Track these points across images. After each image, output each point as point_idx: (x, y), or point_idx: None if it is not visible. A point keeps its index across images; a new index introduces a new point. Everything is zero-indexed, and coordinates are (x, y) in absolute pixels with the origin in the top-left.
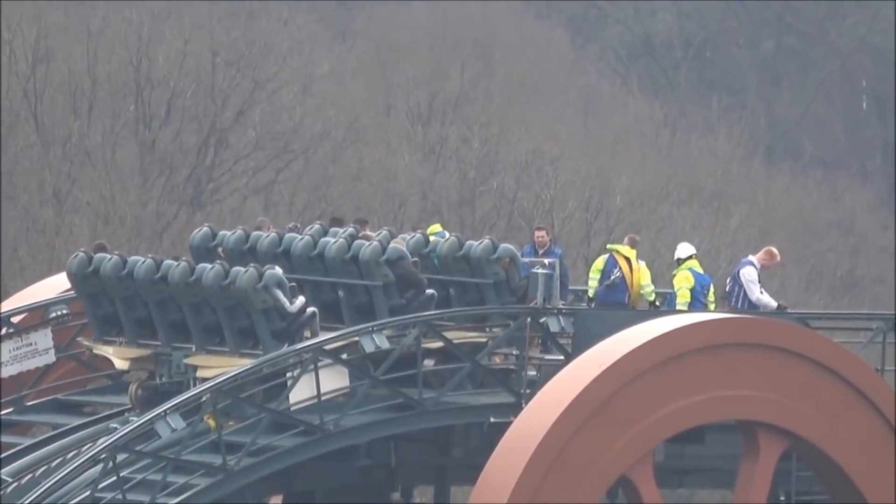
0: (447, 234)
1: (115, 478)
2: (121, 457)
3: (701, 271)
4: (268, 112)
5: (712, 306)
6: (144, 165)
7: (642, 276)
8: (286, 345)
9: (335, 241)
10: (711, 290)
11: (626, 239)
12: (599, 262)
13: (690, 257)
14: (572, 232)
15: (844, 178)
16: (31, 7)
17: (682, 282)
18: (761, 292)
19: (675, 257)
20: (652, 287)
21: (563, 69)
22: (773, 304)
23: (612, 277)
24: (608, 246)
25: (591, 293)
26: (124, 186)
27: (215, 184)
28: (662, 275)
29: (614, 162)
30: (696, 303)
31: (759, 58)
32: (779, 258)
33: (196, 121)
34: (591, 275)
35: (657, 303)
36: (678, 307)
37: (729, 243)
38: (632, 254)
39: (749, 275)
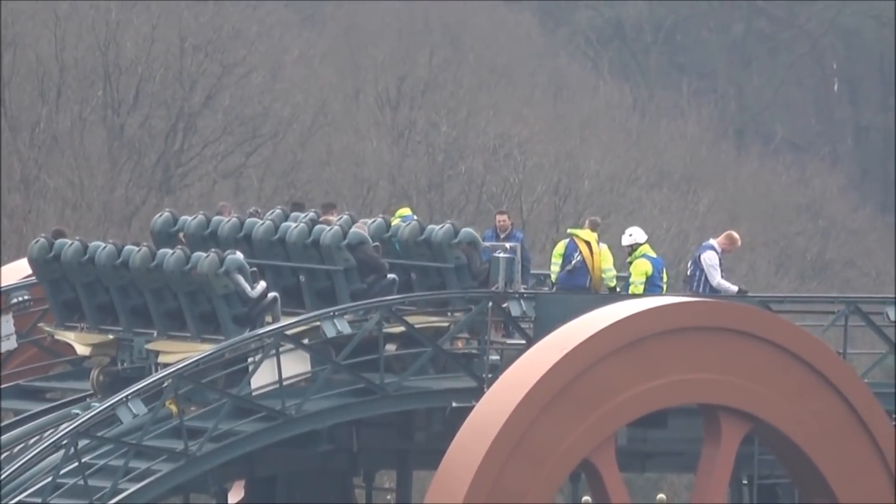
0: (414, 218)
1: (76, 463)
2: (82, 442)
3: (654, 255)
4: (236, 97)
5: (665, 287)
6: (113, 151)
7: (603, 260)
8: (248, 330)
9: (296, 226)
10: (664, 272)
11: (587, 222)
12: (560, 247)
13: (644, 242)
14: (541, 216)
15: (814, 162)
16: None
17: (640, 272)
18: (722, 277)
19: (630, 243)
20: (613, 272)
21: (532, 54)
22: (734, 288)
23: (573, 262)
24: (569, 230)
25: (553, 278)
26: (92, 172)
27: (184, 169)
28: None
29: (583, 146)
30: (654, 287)
31: (730, 41)
32: (739, 242)
33: (164, 106)
34: (553, 259)
35: (618, 288)
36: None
37: (698, 227)
38: (592, 237)
39: (710, 259)
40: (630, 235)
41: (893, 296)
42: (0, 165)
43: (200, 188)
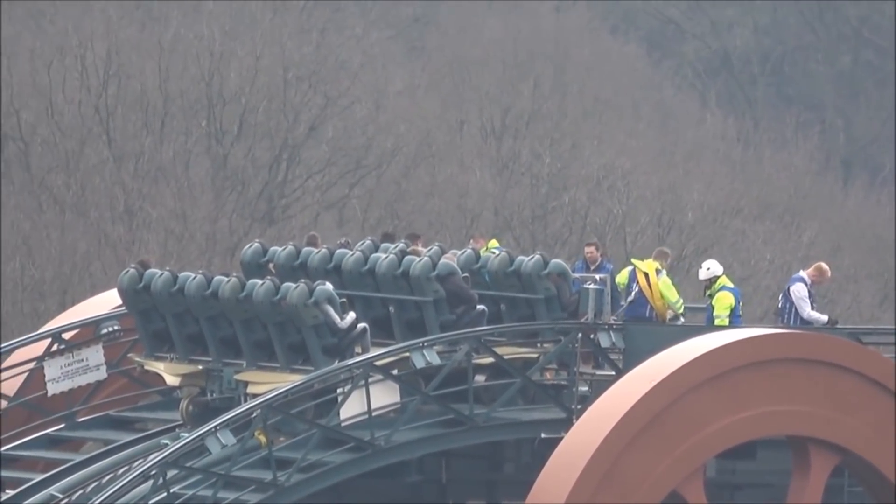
0: (503, 251)
1: (165, 494)
2: (171, 473)
3: (732, 285)
4: (340, 128)
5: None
6: (216, 182)
7: (664, 291)
8: (337, 360)
9: (386, 257)
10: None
11: (654, 252)
12: (622, 276)
13: (721, 275)
14: (644, 247)
15: None
16: (102, 23)
17: (725, 306)
18: (813, 308)
19: (708, 276)
20: (680, 301)
21: (638, 85)
22: (824, 319)
23: (632, 293)
24: (632, 260)
25: None
26: (196, 203)
27: (287, 200)
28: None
29: (686, 178)
30: (736, 318)
31: (837, 72)
32: (829, 274)
33: (268, 136)
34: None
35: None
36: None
37: (801, 258)
38: (651, 268)
39: (799, 291)
40: (708, 269)
41: None
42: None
43: (304, 219)
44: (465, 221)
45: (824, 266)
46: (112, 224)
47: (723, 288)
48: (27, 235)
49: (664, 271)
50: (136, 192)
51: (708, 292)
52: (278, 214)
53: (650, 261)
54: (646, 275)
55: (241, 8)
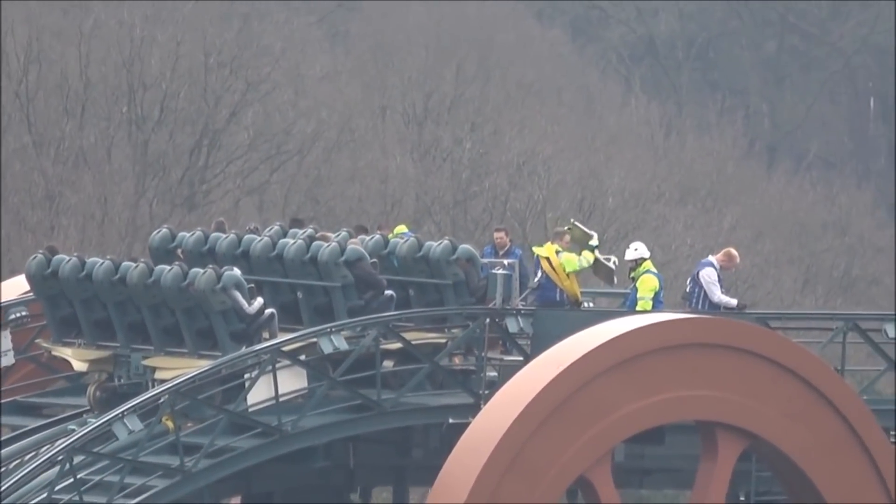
0: (411, 236)
1: (72, 479)
2: (78, 458)
3: (655, 270)
4: (261, 113)
5: None
6: (137, 167)
7: (565, 265)
8: (245, 346)
9: (294, 243)
10: None
11: (552, 235)
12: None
13: (647, 258)
14: None
15: (841, 179)
16: (23, 8)
17: (650, 288)
18: (722, 293)
19: (636, 257)
20: (576, 265)
21: (562, 70)
22: (734, 303)
23: (537, 280)
24: (532, 248)
25: None
26: (117, 188)
27: (208, 185)
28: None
29: (608, 163)
30: (658, 303)
31: (762, 58)
32: (738, 260)
33: (189, 122)
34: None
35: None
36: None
37: (722, 243)
38: (551, 251)
39: (709, 276)
40: (636, 250)
41: (892, 312)
42: (22, 181)
43: (225, 204)
44: (386, 207)
45: (733, 252)
46: (32, 209)
47: (648, 272)
48: None
49: (563, 251)
50: (57, 178)
51: (632, 274)
52: (199, 200)
53: (549, 244)
54: (547, 259)
55: None
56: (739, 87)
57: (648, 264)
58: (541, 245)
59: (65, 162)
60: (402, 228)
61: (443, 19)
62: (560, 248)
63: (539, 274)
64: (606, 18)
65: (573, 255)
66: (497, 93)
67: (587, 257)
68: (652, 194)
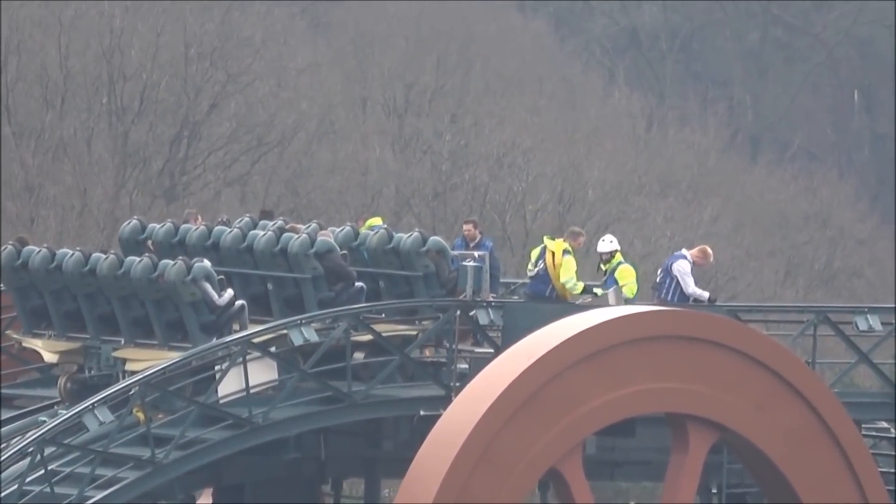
0: (381, 228)
1: (42, 471)
2: (49, 450)
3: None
4: (242, 105)
5: None
6: (117, 158)
7: (562, 271)
8: (215, 338)
9: (264, 234)
10: None
11: (566, 232)
12: (535, 253)
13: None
14: (545, 225)
15: (822, 171)
16: None
17: (631, 276)
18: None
19: (611, 249)
20: (573, 282)
21: (544, 62)
22: (706, 295)
23: (536, 269)
24: (544, 238)
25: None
26: (97, 179)
27: (189, 176)
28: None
29: (588, 155)
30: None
31: (745, 49)
32: (712, 259)
33: (169, 113)
34: (528, 267)
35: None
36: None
37: (702, 235)
38: (559, 248)
39: (683, 267)
40: (611, 242)
41: (863, 305)
42: (1, 172)
43: (205, 196)
44: (367, 199)
45: (709, 250)
46: (11, 201)
47: (622, 262)
48: None
49: (571, 253)
50: (36, 169)
51: (605, 266)
52: (180, 191)
53: (560, 241)
54: (552, 254)
55: None
56: (722, 78)
57: (619, 256)
58: (553, 239)
59: (45, 153)
60: (376, 221)
61: (423, 10)
62: (569, 248)
63: (540, 264)
64: (590, 10)
65: (573, 269)
66: (477, 84)
67: (580, 287)
68: (633, 186)
